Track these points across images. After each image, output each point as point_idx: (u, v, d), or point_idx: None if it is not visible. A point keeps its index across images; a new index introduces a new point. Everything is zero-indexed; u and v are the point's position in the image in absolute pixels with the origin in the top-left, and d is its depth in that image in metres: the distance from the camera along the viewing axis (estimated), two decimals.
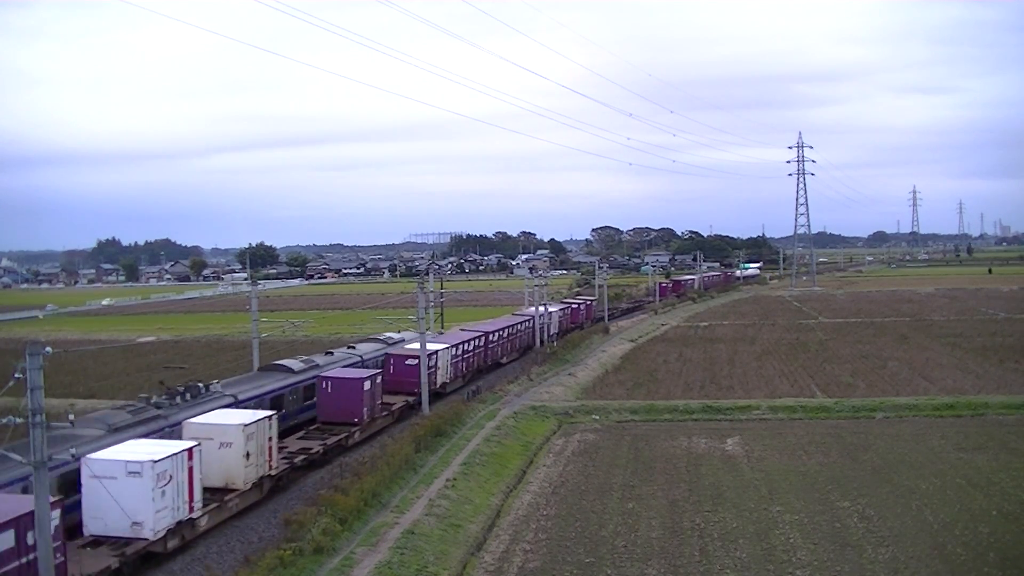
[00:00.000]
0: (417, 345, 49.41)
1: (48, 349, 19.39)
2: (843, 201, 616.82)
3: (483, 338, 61.72)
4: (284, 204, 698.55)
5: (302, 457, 36.06)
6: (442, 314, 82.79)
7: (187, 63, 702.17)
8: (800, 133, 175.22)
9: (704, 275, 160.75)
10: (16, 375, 18.81)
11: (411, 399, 47.41)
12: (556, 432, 43.12)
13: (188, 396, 34.70)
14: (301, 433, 39.42)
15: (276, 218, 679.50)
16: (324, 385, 40.65)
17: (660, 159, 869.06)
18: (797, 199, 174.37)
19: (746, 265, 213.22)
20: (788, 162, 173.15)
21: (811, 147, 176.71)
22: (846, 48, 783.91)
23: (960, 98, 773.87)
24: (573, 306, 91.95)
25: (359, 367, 46.91)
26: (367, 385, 40.98)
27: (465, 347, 57.41)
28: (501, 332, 67.13)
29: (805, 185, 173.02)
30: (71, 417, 29.88)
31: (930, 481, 32.20)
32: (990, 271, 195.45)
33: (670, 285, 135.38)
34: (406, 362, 49.03)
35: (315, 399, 41.73)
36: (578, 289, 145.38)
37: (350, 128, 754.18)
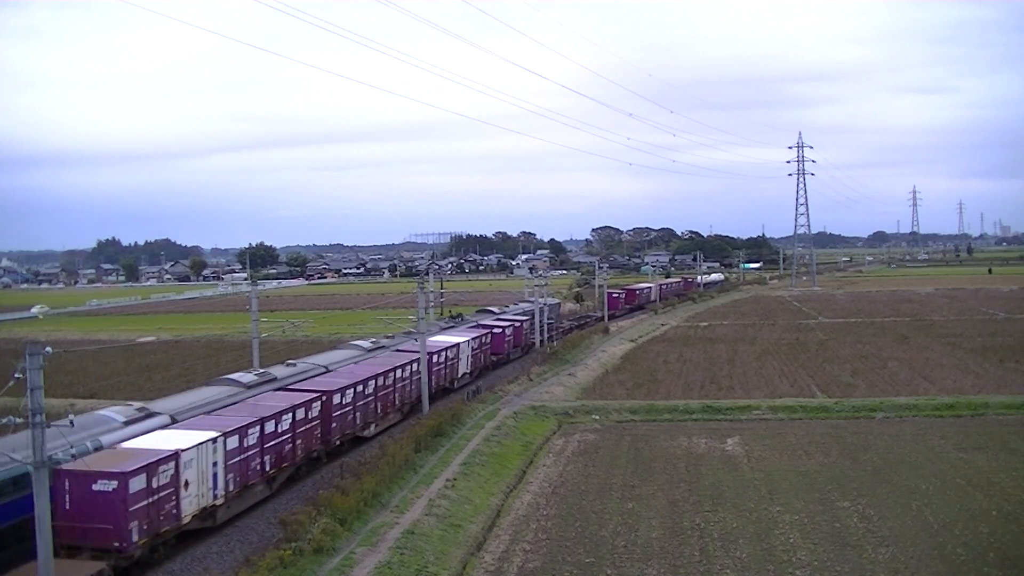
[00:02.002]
0: (135, 444, 26.69)
1: (48, 349, 19.42)
2: (843, 201, 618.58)
3: (319, 402, 35.93)
4: (284, 204, 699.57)
5: None
6: (442, 314, 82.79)
7: (186, 63, 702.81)
8: (800, 133, 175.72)
9: (662, 283, 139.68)
10: (16, 375, 18.82)
11: (107, 566, 23.03)
12: (556, 432, 43.11)
13: (460, 319, 71.45)
14: None
15: (276, 218, 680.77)
16: None
17: (660, 159, 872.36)
18: (797, 199, 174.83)
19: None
20: (788, 162, 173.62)
21: (811, 147, 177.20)
22: (845, 48, 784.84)
23: (960, 98, 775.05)
24: (495, 331, 65.88)
25: None
26: None
27: (276, 426, 31.92)
28: (359, 387, 39.65)
29: (805, 185, 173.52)
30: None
31: (930, 481, 32.20)
32: (990, 271, 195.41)
33: (623, 295, 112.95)
34: (94, 486, 23.69)
35: None
36: (578, 290, 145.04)
37: (350, 128, 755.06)
